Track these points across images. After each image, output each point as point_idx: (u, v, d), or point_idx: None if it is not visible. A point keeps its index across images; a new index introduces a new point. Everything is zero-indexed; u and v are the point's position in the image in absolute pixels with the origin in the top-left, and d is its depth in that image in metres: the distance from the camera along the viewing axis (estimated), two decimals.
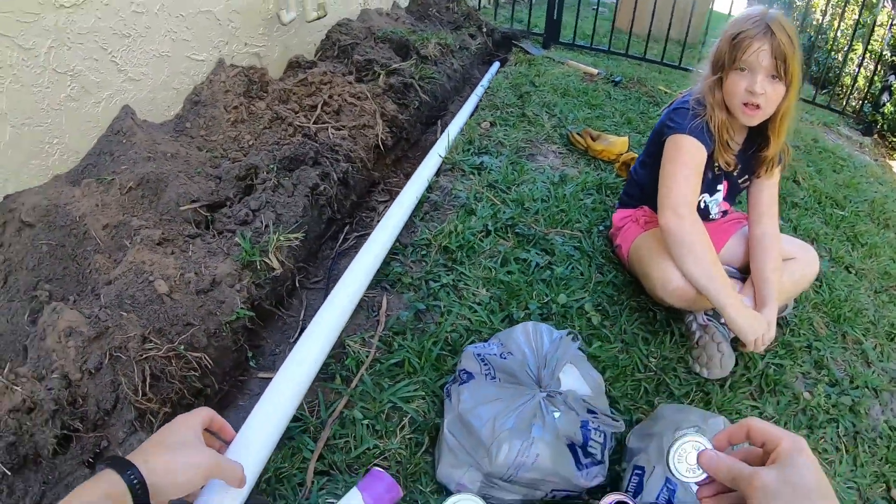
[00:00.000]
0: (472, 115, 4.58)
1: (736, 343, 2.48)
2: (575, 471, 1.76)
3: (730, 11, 6.70)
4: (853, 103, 7.21)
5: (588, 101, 5.31)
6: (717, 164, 2.53)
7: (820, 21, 9.06)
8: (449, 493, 1.71)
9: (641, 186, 2.81)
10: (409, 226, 3.02)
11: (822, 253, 3.65)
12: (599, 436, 1.86)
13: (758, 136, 2.55)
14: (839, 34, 8.53)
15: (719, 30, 2.52)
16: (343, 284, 2.22)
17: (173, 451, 1.20)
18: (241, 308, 2.20)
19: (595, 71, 6.08)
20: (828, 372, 2.72)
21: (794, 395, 2.54)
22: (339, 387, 2.10)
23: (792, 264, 2.61)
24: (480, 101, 4.90)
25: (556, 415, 1.81)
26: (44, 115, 2.51)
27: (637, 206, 2.89)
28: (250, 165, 2.79)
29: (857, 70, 7.41)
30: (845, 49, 7.84)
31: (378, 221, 2.80)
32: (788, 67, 2.24)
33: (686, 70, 6.55)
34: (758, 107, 2.32)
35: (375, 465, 1.85)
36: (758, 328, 2.29)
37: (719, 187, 2.67)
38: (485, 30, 6.59)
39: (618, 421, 1.94)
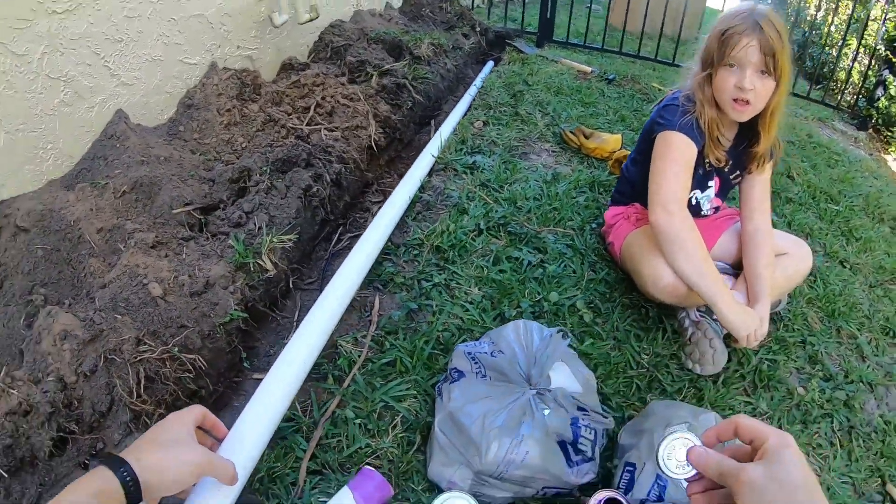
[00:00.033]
0: (465, 114, 4.58)
1: (729, 339, 2.48)
2: (565, 468, 1.77)
3: (723, 7, 6.70)
4: (848, 98, 7.20)
5: (581, 99, 5.30)
6: (707, 161, 2.54)
7: (814, 16, 9.09)
8: (440, 491, 1.71)
9: (633, 184, 2.81)
10: (401, 226, 3.04)
11: (817, 248, 3.65)
12: (590, 433, 1.87)
13: (748, 132, 2.56)
14: (833, 29, 8.55)
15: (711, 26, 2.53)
16: (333, 286, 2.24)
17: (166, 448, 1.21)
18: (235, 310, 2.21)
19: (589, 69, 6.08)
20: (822, 367, 2.72)
21: (788, 391, 2.54)
22: (332, 387, 2.12)
23: (784, 259, 2.62)
24: (474, 100, 4.91)
25: (546, 412, 1.82)
26: (38, 121, 2.53)
27: (629, 204, 2.89)
28: (243, 168, 2.81)
29: (851, 65, 7.42)
30: (839, 44, 7.86)
31: (371, 222, 2.81)
32: (777, 62, 2.25)
33: (680, 67, 6.56)
34: (747, 102, 2.32)
35: (368, 464, 1.86)
36: (750, 324, 2.30)
37: (710, 183, 2.68)
38: (478, 29, 6.58)
39: (607, 417, 1.95)
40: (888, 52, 6.43)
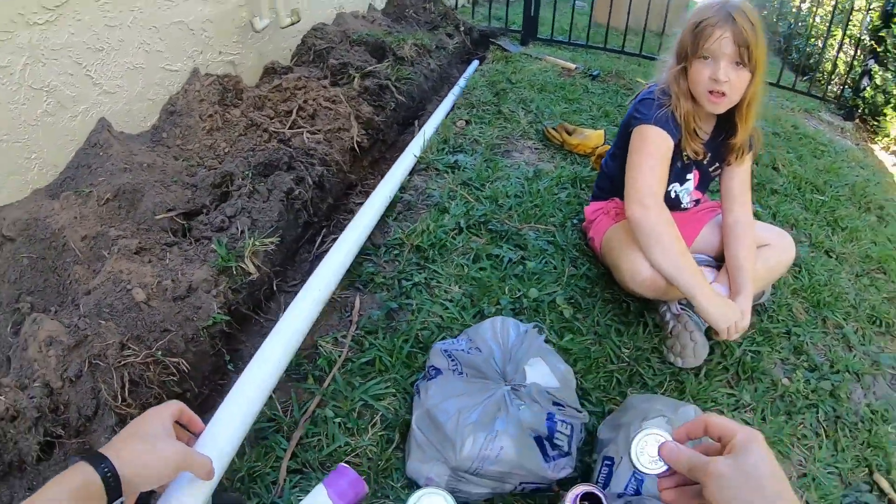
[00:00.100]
0: (448, 114, 4.60)
1: (711, 332, 2.48)
2: (542, 463, 1.78)
3: None
4: (834, 89, 7.22)
5: (565, 95, 5.32)
6: (685, 154, 2.54)
7: (798, 7, 9.10)
8: (419, 488, 1.71)
9: (611, 178, 2.81)
10: (382, 226, 3.06)
11: (802, 238, 3.67)
12: (566, 427, 1.87)
13: (726, 124, 2.56)
14: (818, 20, 8.58)
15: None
16: (308, 288, 2.25)
17: (145, 444, 1.22)
18: (218, 313, 2.24)
19: (573, 65, 6.10)
20: (807, 357, 2.73)
21: (773, 382, 2.55)
22: (312, 386, 2.14)
23: (766, 251, 2.63)
24: (457, 99, 4.93)
25: (521, 408, 1.84)
26: (21, 132, 2.55)
27: (608, 199, 2.90)
28: (225, 173, 2.83)
29: (836, 56, 7.44)
30: (824, 35, 7.88)
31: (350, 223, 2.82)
32: (752, 54, 2.25)
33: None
34: (723, 94, 2.32)
35: (347, 462, 1.88)
36: (730, 316, 2.31)
37: (689, 176, 2.69)
38: (462, 29, 6.59)
39: (581, 412, 1.97)
40: (873, 42, 6.45)
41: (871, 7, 6.82)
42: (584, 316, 2.67)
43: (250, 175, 2.85)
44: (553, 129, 4.32)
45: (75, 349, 1.87)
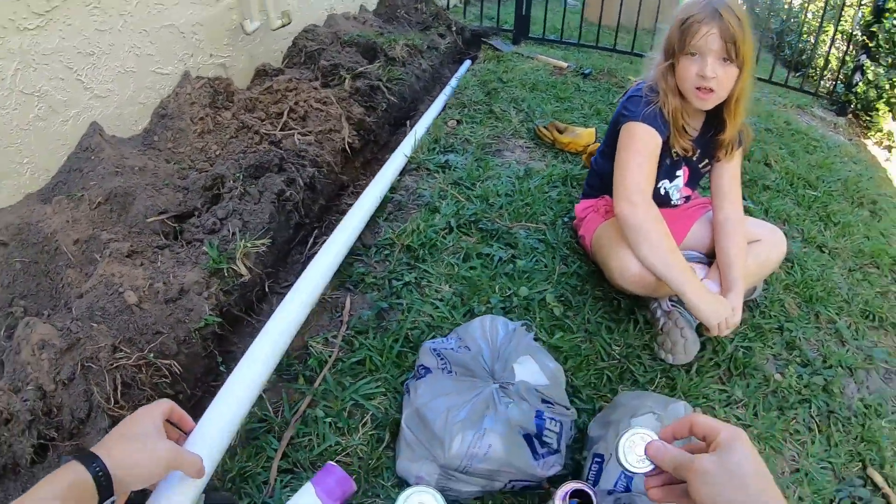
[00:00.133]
0: (439, 114, 4.61)
1: (702, 328, 2.49)
2: (531, 460, 1.79)
3: None
4: (826, 84, 7.24)
5: (556, 94, 5.32)
6: (674, 150, 2.55)
7: (790, 3, 9.12)
8: (409, 487, 1.74)
9: (601, 176, 2.80)
10: (372, 226, 3.07)
11: (795, 234, 3.68)
12: (555, 425, 1.88)
13: (715, 120, 2.56)
14: (810, 16, 8.60)
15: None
16: (296, 290, 2.26)
17: (136, 443, 1.22)
18: (210, 315, 2.25)
19: (564, 64, 6.11)
20: (800, 352, 2.74)
21: (765, 377, 2.56)
22: (303, 387, 2.15)
23: (757, 246, 2.63)
24: (449, 99, 4.93)
25: (509, 405, 1.85)
26: (13, 136, 2.56)
27: (599, 196, 2.91)
28: (217, 175, 2.84)
29: (828, 51, 7.46)
30: (817, 31, 7.89)
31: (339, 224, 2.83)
32: (739, 49, 2.25)
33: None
34: (711, 90, 2.33)
35: (338, 461, 1.90)
36: (721, 312, 2.31)
37: (678, 173, 2.70)
38: (454, 29, 6.59)
39: (569, 409, 1.98)
40: (865, 38, 6.45)
41: (863, 3, 6.83)
42: (574, 313, 2.67)
43: (241, 177, 2.86)
44: (544, 127, 4.32)
45: (68, 352, 1.88)
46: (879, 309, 3.15)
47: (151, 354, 2.02)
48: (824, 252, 3.57)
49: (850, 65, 6.78)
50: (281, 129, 3.39)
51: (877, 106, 6.34)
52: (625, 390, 2.33)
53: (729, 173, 2.66)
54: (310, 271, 2.40)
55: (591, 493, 1.61)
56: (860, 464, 2.33)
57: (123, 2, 2.99)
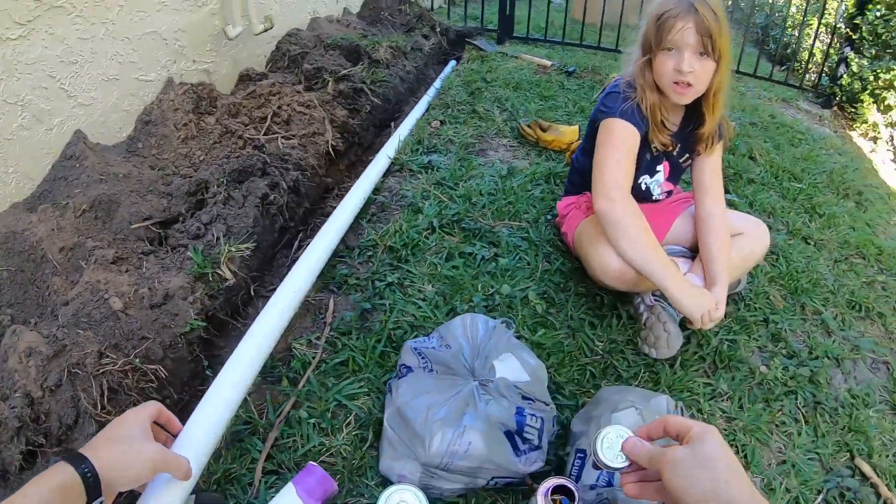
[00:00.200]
0: (423, 114, 4.61)
1: (685, 321, 2.49)
2: (512, 457, 1.80)
3: None
4: (811, 77, 7.27)
5: (540, 92, 5.34)
6: (653, 146, 2.56)
7: None
8: (392, 485, 1.75)
9: (582, 173, 2.80)
10: (356, 228, 3.08)
11: (780, 226, 3.70)
12: (536, 421, 1.89)
13: (694, 114, 2.58)
14: (794, 10, 8.63)
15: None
16: (278, 294, 2.27)
17: (123, 444, 1.25)
18: (195, 319, 2.27)
19: (548, 63, 6.12)
20: (785, 344, 2.75)
21: (750, 370, 2.57)
22: (287, 388, 2.17)
23: (740, 239, 2.65)
24: (433, 100, 4.94)
25: (489, 403, 1.86)
26: None
27: (580, 193, 2.92)
28: (200, 180, 2.86)
29: (813, 44, 7.49)
30: (800, 24, 7.93)
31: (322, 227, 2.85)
32: (715, 43, 2.26)
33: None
34: (688, 85, 2.33)
35: (322, 461, 1.92)
36: (704, 304, 2.31)
37: (659, 168, 2.71)
38: (438, 30, 6.59)
39: (549, 405, 1.99)
40: (848, 30, 6.48)
41: None
42: (557, 310, 2.68)
43: (225, 182, 2.87)
44: (527, 126, 4.34)
45: (54, 359, 1.90)
46: (865, 299, 3.17)
47: (137, 360, 2.03)
48: (809, 244, 3.59)
49: (835, 57, 6.82)
50: (265, 134, 3.41)
51: (861, 98, 6.38)
52: (608, 386, 2.34)
53: (710, 167, 2.67)
54: (293, 275, 2.41)
55: (573, 488, 1.63)
56: (848, 454, 2.34)
57: (105, 10, 3.00)
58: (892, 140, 6.10)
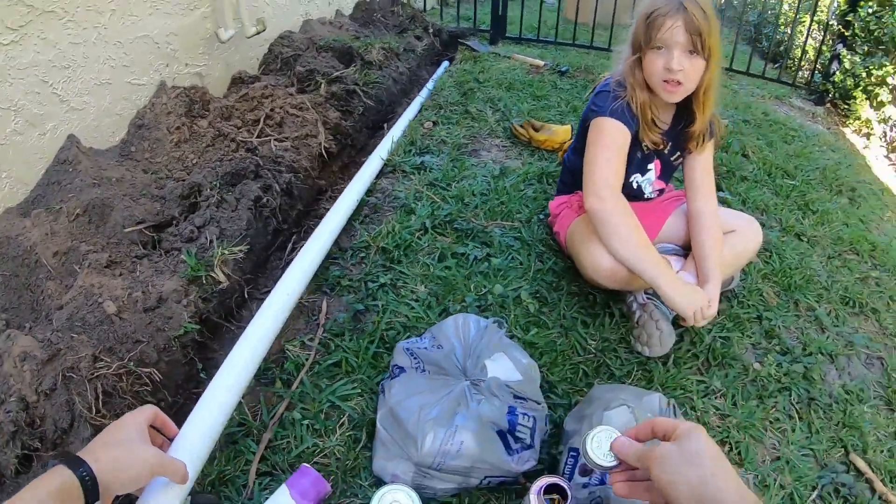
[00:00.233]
0: (416, 116, 4.62)
1: (678, 319, 2.52)
2: (505, 456, 1.81)
3: None
4: (804, 74, 7.28)
5: (533, 92, 5.33)
6: (644, 144, 2.56)
7: None
8: (385, 485, 1.77)
9: (573, 172, 2.80)
10: (349, 230, 3.08)
11: (773, 223, 3.70)
12: (528, 420, 1.89)
13: (685, 112, 2.58)
14: (786, 7, 8.65)
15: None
16: (272, 297, 2.28)
17: (121, 448, 1.26)
18: (189, 322, 2.28)
19: (541, 62, 6.12)
20: (779, 341, 2.76)
21: (744, 367, 2.57)
22: (280, 390, 2.17)
23: (733, 237, 2.65)
24: (425, 101, 4.94)
25: (480, 402, 1.87)
26: None
27: (572, 192, 2.93)
28: (193, 184, 2.87)
29: (805, 41, 7.50)
30: (793, 22, 7.94)
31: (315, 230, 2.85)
32: (704, 41, 2.26)
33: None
34: (678, 83, 2.34)
35: (315, 462, 1.92)
36: (696, 301, 2.32)
37: (650, 166, 2.71)
38: (431, 31, 6.60)
39: (540, 404, 1.99)
40: (841, 27, 6.49)
41: None
42: (550, 310, 2.69)
43: (218, 185, 2.88)
44: (520, 126, 4.34)
45: (49, 363, 1.90)
46: (859, 295, 3.18)
47: (132, 363, 2.04)
48: (803, 240, 3.59)
49: (827, 54, 6.80)
50: (257, 136, 3.41)
51: (854, 94, 6.39)
52: (601, 384, 2.34)
53: (701, 165, 2.68)
54: (286, 278, 2.42)
55: (565, 486, 1.64)
56: (842, 450, 2.34)
57: (97, 14, 3.01)
58: (885, 136, 6.11)
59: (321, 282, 2.72)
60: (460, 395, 1.89)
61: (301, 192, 3.31)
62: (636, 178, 2.72)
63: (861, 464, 2.29)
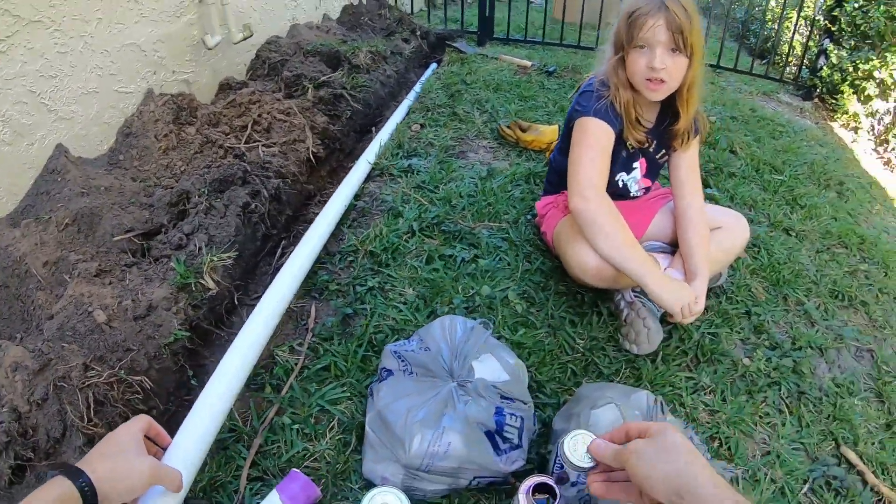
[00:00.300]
0: (403, 119, 4.62)
1: (666, 317, 2.51)
2: (493, 456, 1.82)
3: None
4: (791, 70, 7.31)
5: (520, 93, 5.34)
6: (629, 143, 2.57)
7: None
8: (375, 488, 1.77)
9: (559, 172, 2.80)
10: (337, 234, 3.09)
11: (761, 218, 3.72)
12: (515, 420, 1.91)
13: (669, 110, 2.59)
14: (773, 3, 8.68)
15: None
16: (262, 303, 2.30)
17: (118, 458, 1.29)
18: (178, 330, 2.29)
19: (528, 63, 6.14)
20: (768, 336, 2.77)
21: (733, 363, 2.59)
22: (270, 395, 2.19)
23: (720, 233, 2.66)
24: (413, 104, 4.95)
25: (467, 403, 1.88)
26: None
27: (559, 192, 2.93)
28: (182, 191, 2.88)
29: (792, 37, 7.54)
30: (780, 18, 7.97)
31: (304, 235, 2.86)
32: (687, 39, 2.27)
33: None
34: (662, 81, 2.34)
35: (305, 466, 1.94)
36: (683, 297, 2.33)
37: (635, 165, 2.72)
38: (419, 33, 6.61)
39: (527, 404, 2.00)
40: (827, 22, 6.52)
41: None
42: (537, 310, 2.70)
43: (206, 192, 2.89)
44: (507, 126, 4.35)
45: (40, 373, 1.91)
46: (848, 288, 3.19)
47: (123, 371, 2.05)
48: (791, 235, 3.60)
49: (814, 50, 6.85)
50: (245, 142, 3.42)
51: (841, 89, 6.43)
52: (589, 383, 2.35)
53: (686, 163, 2.69)
54: (276, 283, 2.43)
55: (553, 485, 1.66)
56: (833, 443, 2.35)
57: (83, 23, 3.02)
58: (872, 130, 6.15)
59: (310, 286, 2.73)
60: (447, 397, 1.90)
61: (289, 197, 3.33)
62: (622, 177, 2.73)
63: (852, 456, 2.30)
